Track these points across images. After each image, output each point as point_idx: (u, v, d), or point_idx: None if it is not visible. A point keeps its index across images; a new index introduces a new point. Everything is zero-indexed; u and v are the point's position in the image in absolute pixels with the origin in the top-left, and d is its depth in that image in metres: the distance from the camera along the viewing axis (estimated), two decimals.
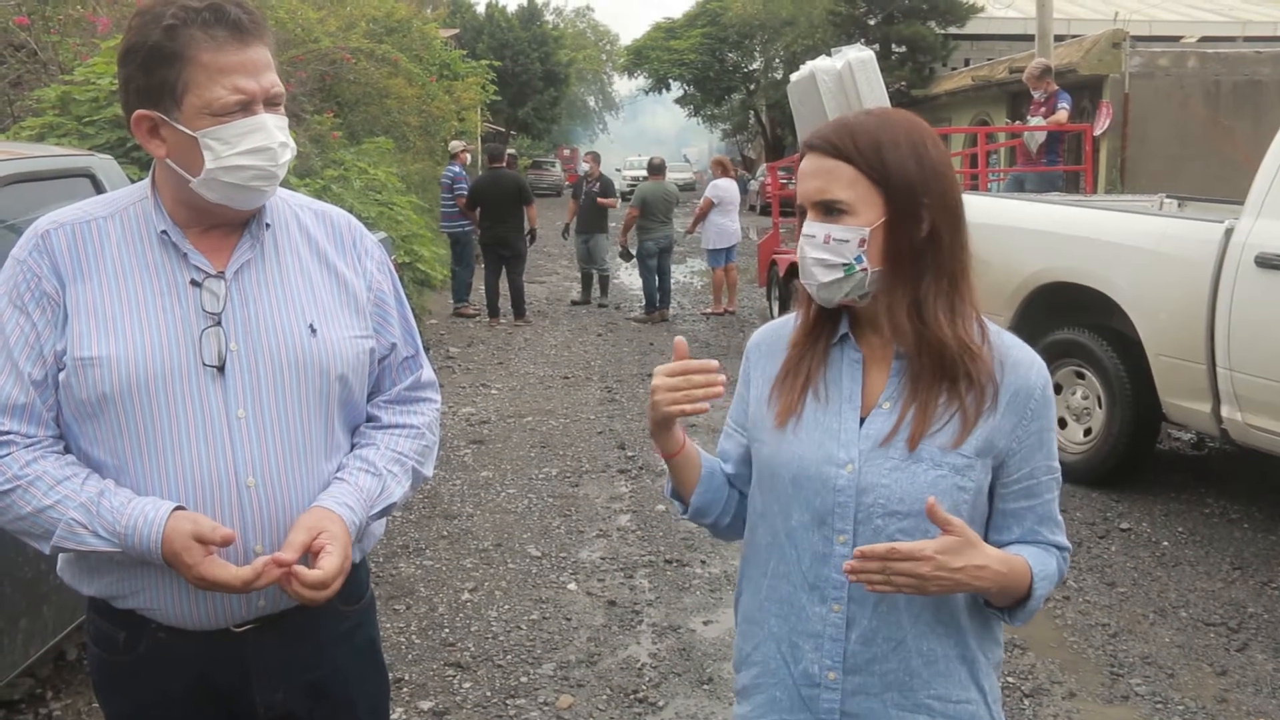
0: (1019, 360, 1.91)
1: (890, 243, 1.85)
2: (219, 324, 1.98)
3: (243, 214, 2.04)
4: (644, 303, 15.18)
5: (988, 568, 1.79)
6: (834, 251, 1.84)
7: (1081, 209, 7.63)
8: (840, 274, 1.85)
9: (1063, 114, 11.54)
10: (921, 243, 1.85)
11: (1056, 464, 1.96)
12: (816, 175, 1.87)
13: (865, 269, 1.84)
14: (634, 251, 15.31)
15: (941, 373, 1.87)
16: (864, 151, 1.83)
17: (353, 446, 2.19)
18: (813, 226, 1.87)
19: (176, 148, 1.94)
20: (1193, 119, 19.08)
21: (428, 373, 2.33)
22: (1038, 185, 11.49)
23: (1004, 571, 1.82)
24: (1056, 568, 1.95)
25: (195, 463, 1.94)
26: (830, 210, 1.85)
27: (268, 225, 2.09)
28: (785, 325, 2.11)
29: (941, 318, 1.86)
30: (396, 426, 2.23)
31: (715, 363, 1.92)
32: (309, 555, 1.95)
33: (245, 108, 1.92)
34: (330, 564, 1.94)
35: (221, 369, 1.97)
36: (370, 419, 2.24)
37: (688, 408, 1.90)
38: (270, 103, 1.97)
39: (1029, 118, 12.15)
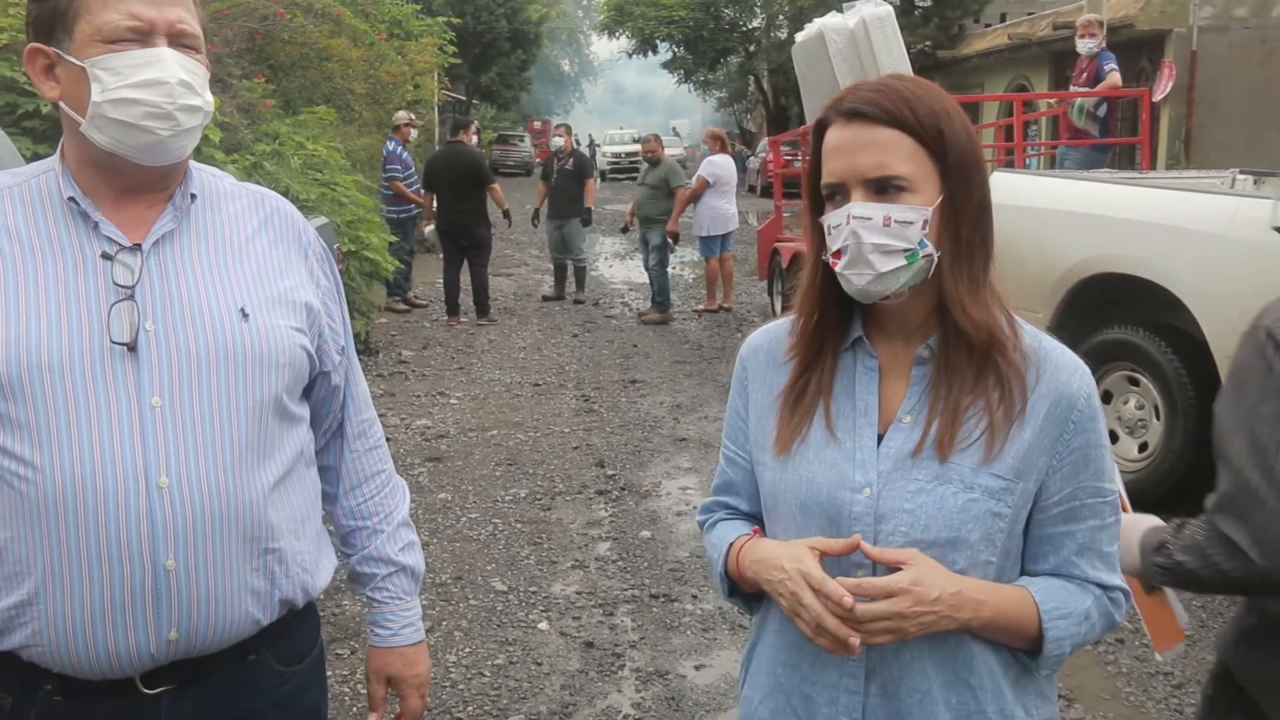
0: (1059, 364, 1.91)
1: (951, 224, 1.86)
2: (132, 298, 1.96)
3: (149, 172, 2.01)
4: (658, 299, 14.95)
5: (962, 593, 1.80)
6: (895, 235, 1.83)
7: (1137, 188, 7.60)
8: (901, 261, 1.84)
9: (1115, 76, 11.48)
10: (975, 223, 1.88)
11: (1109, 486, 1.94)
12: (869, 147, 1.84)
13: (930, 254, 1.85)
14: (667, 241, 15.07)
15: (974, 373, 1.87)
16: (923, 120, 1.84)
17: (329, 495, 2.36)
18: (865, 207, 1.84)
19: (68, 85, 1.96)
20: (1276, 79, 19.01)
21: (363, 383, 2.44)
22: (1080, 163, 11.43)
23: (982, 599, 1.82)
24: (1096, 610, 1.93)
25: (96, 456, 1.90)
26: (885, 188, 1.84)
27: (193, 196, 2.09)
28: (784, 328, 2.10)
29: (991, 305, 1.89)
30: (373, 477, 2.41)
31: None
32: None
33: (142, 37, 1.93)
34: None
35: (133, 349, 1.94)
36: (334, 461, 2.38)
37: None
38: (176, 41, 1.97)
39: (1072, 85, 12.14)
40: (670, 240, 15.03)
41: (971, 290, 1.88)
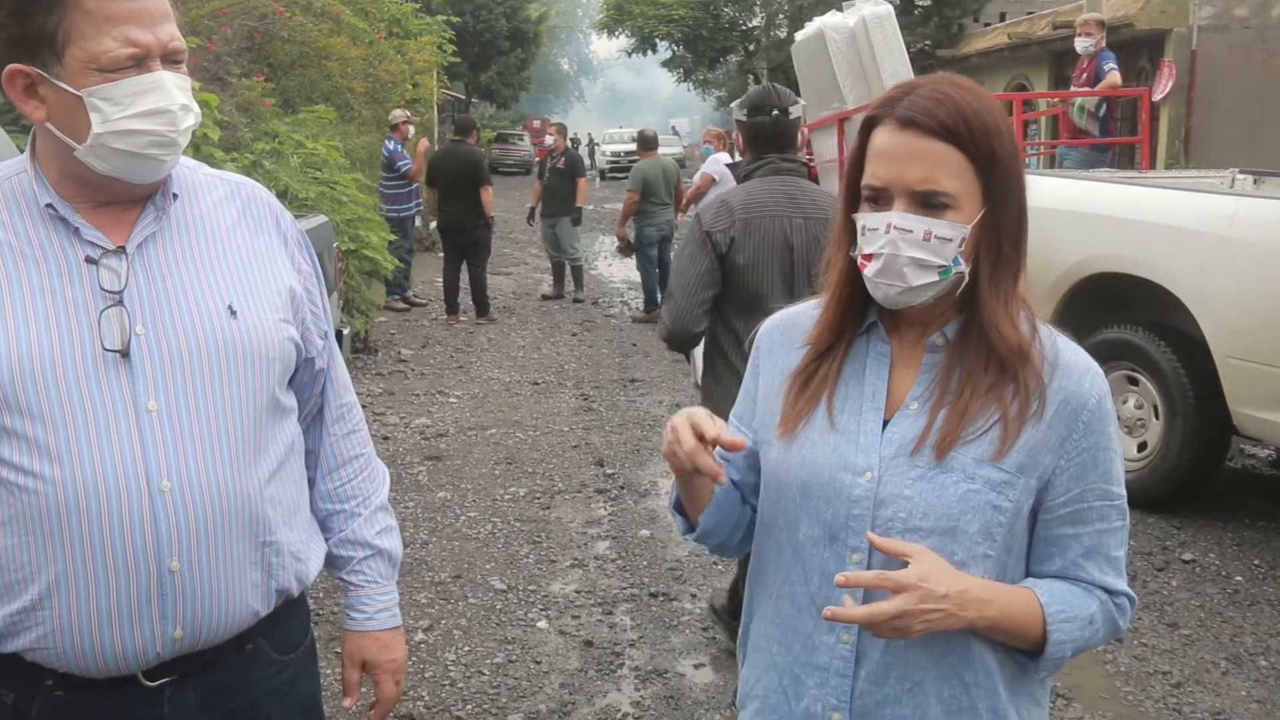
0: (1071, 365, 1.90)
1: (988, 241, 1.86)
2: (121, 303, 1.95)
3: (141, 187, 2.01)
4: (644, 300, 15.06)
5: (967, 592, 1.78)
6: (934, 251, 1.82)
7: (1136, 187, 7.59)
8: (935, 276, 1.84)
9: (1114, 76, 11.44)
10: (1013, 239, 1.88)
11: (1117, 490, 1.93)
12: (921, 160, 1.82)
13: (962, 271, 1.85)
14: (633, 242, 15.11)
15: (990, 379, 1.87)
16: (977, 138, 1.83)
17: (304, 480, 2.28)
18: (908, 219, 1.82)
19: (58, 109, 1.90)
20: (1276, 79, 19.01)
21: (342, 366, 2.44)
22: (1079, 162, 11.39)
23: (987, 599, 1.81)
24: (1101, 615, 1.92)
25: (97, 465, 1.89)
26: (931, 203, 1.82)
27: (175, 195, 2.08)
28: (801, 314, 2.11)
29: (1013, 311, 1.88)
30: (351, 460, 2.39)
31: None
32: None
33: (139, 63, 1.89)
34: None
35: (126, 355, 1.93)
36: (313, 445, 2.35)
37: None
38: (169, 59, 1.94)
39: (1072, 84, 12.12)
40: (619, 244, 15.38)
41: (1007, 308, 1.87)
